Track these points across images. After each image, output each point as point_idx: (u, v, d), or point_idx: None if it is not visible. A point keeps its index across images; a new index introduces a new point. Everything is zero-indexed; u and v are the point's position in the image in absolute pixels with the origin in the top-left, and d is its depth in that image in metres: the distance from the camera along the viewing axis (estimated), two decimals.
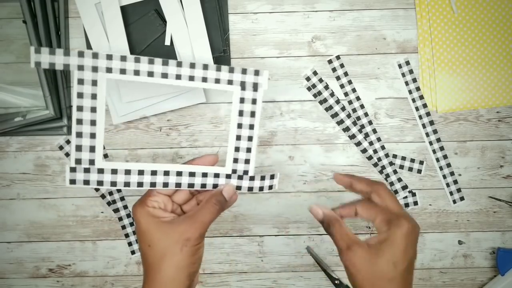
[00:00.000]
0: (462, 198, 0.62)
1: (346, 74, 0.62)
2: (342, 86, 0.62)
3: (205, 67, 0.39)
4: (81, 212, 0.63)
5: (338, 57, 0.62)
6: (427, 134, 0.62)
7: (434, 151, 0.62)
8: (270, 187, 0.41)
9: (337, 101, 0.62)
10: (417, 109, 0.62)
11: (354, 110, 0.62)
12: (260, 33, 0.62)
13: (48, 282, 0.63)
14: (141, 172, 0.38)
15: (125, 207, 0.62)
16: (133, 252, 0.63)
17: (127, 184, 0.38)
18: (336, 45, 0.62)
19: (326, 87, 0.62)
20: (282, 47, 0.62)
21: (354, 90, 0.62)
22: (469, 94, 0.62)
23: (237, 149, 0.40)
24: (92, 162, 0.37)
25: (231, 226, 0.63)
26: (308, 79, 0.62)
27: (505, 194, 0.62)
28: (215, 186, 0.41)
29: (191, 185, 0.40)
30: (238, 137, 0.40)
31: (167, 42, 0.60)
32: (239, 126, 0.40)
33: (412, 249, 0.37)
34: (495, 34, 0.62)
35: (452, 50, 0.62)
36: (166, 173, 0.39)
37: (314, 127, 0.62)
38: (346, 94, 0.62)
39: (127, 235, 0.63)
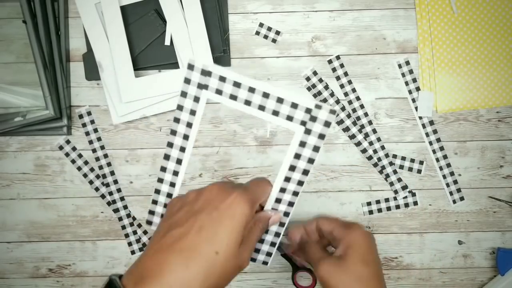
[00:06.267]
0: (462, 198, 0.62)
1: (346, 74, 0.62)
2: (342, 86, 0.62)
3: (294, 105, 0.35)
4: (81, 212, 0.63)
5: (338, 57, 0.62)
6: (427, 134, 0.62)
7: (434, 151, 0.62)
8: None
9: (337, 101, 0.62)
10: (417, 109, 0.62)
11: (354, 110, 0.62)
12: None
13: (48, 282, 0.63)
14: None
15: (125, 207, 0.62)
16: (133, 252, 0.63)
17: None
18: (336, 45, 0.62)
19: (326, 87, 0.62)
20: (282, 47, 0.62)
21: (354, 90, 0.62)
22: (469, 94, 0.62)
23: (282, 190, 0.38)
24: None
25: None
26: (308, 79, 0.62)
27: (505, 194, 0.62)
28: None
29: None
30: (287, 179, 0.37)
31: (167, 42, 0.60)
32: (292, 168, 0.37)
33: (375, 251, 0.39)
34: (495, 34, 0.62)
35: (452, 50, 0.62)
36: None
37: None
38: (346, 94, 0.62)
39: (127, 235, 0.63)
